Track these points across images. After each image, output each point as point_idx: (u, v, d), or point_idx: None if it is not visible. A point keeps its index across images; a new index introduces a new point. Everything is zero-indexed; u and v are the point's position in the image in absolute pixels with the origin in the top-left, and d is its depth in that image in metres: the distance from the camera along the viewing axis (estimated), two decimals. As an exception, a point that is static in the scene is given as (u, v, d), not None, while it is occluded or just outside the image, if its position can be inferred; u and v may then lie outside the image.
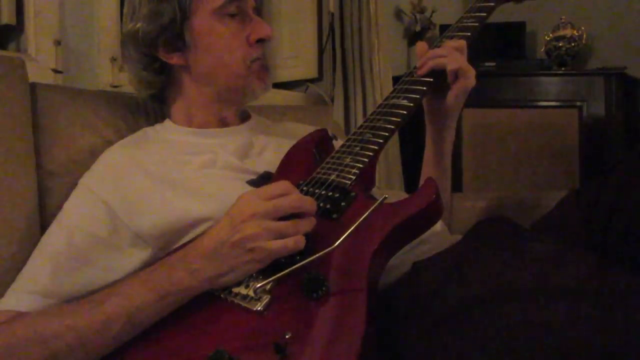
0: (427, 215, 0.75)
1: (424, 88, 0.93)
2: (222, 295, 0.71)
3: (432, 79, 0.94)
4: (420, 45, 0.98)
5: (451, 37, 0.98)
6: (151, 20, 0.93)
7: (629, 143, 2.52)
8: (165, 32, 0.94)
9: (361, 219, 0.69)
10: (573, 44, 2.61)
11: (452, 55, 0.93)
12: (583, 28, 2.65)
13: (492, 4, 1.01)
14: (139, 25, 0.94)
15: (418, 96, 0.92)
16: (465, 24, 0.99)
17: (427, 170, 1.07)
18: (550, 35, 2.66)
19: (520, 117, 2.51)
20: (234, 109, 1.03)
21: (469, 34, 0.97)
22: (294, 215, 0.71)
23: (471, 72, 0.94)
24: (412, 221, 0.74)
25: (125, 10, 1.00)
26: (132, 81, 1.03)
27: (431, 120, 1.02)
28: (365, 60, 2.14)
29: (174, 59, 0.96)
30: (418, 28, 2.80)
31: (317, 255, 0.67)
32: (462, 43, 0.94)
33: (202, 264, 0.71)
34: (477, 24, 0.98)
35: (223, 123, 1.02)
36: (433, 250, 0.82)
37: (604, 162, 2.35)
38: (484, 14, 1.00)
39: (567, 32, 2.62)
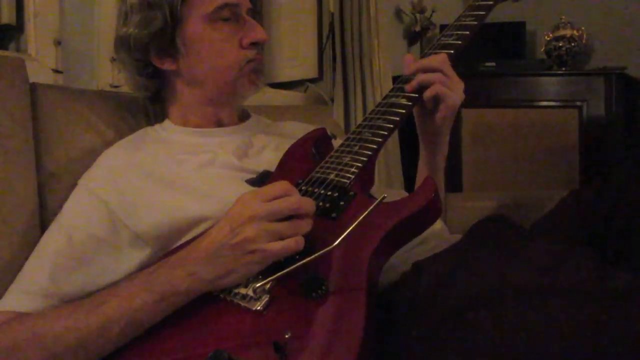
0: (426, 214, 0.75)
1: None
2: (221, 295, 0.71)
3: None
4: (408, 57, 0.97)
5: (441, 46, 0.96)
6: (142, 27, 0.93)
7: (629, 143, 2.52)
8: (156, 39, 0.94)
9: (360, 218, 0.69)
10: (573, 44, 2.61)
11: (433, 77, 0.91)
12: (583, 28, 2.65)
13: (491, 2, 1.01)
14: (130, 31, 0.94)
15: (417, 95, 0.92)
16: (464, 23, 0.99)
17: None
18: (550, 35, 2.66)
19: (520, 117, 2.51)
20: (229, 110, 1.03)
21: (467, 32, 0.97)
22: (293, 215, 0.71)
23: (459, 87, 0.92)
24: (411, 220, 0.74)
25: (117, 15, 0.99)
26: (128, 84, 1.03)
27: (422, 138, 1.02)
28: (365, 60, 2.14)
29: (166, 65, 0.96)
30: (418, 28, 2.80)
31: (316, 254, 0.67)
32: (443, 57, 0.92)
33: (202, 267, 0.71)
34: (475, 23, 0.98)
35: (220, 124, 1.02)
36: (433, 250, 0.82)
37: (604, 162, 2.34)
38: (483, 13, 1.00)
39: (567, 32, 2.62)
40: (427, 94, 0.91)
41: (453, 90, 0.91)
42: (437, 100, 0.92)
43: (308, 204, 0.71)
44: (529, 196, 1.53)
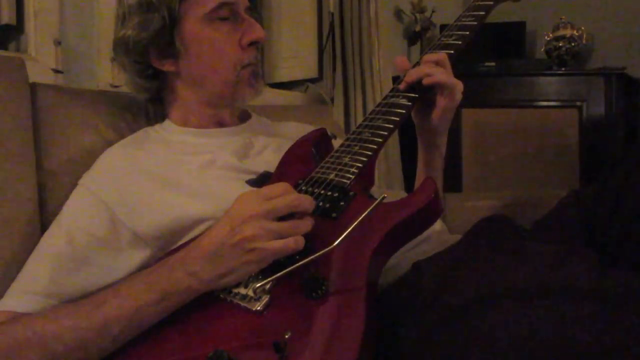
0: (426, 214, 0.75)
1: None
2: (221, 295, 0.71)
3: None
4: (400, 60, 0.97)
5: (441, 46, 0.96)
6: (141, 29, 0.93)
7: (629, 143, 2.52)
8: (155, 40, 0.93)
9: (360, 218, 0.69)
10: (573, 44, 2.61)
11: (433, 69, 0.90)
12: (583, 28, 2.65)
13: (491, 2, 1.01)
14: (129, 33, 0.94)
15: (417, 95, 0.92)
16: (464, 23, 0.99)
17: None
18: (550, 35, 2.66)
19: (520, 117, 2.51)
20: (229, 111, 1.03)
21: (467, 32, 0.97)
22: (293, 216, 0.71)
23: (457, 88, 0.92)
24: (411, 220, 0.74)
25: (115, 17, 0.99)
26: (128, 85, 1.03)
27: (421, 139, 1.02)
28: (365, 60, 2.14)
29: (166, 66, 0.96)
30: (418, 28, 2.80)
31: (316, 254, 0.67)
32: (443, 56, 0.92)
33: (202, 266, 0.70)
34: (475, 23, 0.98)
35: (220, 124, 1.02)
36: (433, 250, 0.82)
37: (604, 162, 2.35)
38: (483, 13, 1.00)
39: (567, 32, 2.62)
40: (427, 80, 0.90)
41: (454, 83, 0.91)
42: (436, 91, 0.91)
43: (307, 201, 0.71)
44: (529, 196, 1.53)
